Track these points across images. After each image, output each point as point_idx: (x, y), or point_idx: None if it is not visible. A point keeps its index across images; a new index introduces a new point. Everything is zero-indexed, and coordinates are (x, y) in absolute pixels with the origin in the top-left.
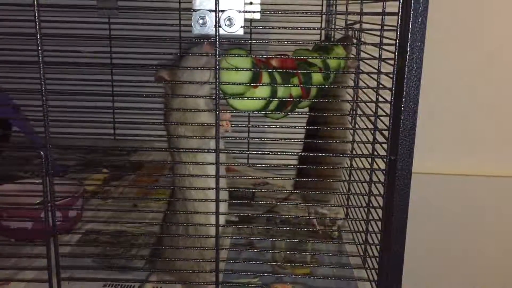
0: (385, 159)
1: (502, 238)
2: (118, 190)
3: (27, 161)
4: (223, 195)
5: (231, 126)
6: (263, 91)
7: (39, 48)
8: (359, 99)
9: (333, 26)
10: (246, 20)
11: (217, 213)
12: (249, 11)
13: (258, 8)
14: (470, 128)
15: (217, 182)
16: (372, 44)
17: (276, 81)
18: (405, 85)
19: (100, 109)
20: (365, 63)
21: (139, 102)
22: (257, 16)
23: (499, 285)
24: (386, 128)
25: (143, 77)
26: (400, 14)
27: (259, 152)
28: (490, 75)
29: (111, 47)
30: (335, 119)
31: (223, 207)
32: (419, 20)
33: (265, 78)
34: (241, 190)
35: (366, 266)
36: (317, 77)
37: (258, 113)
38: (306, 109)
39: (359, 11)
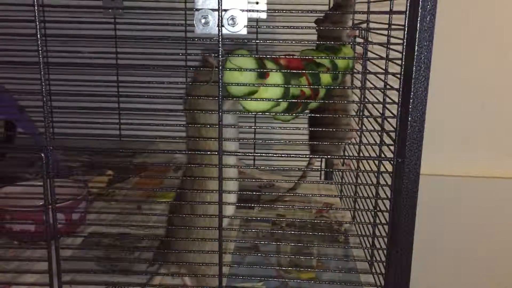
0: (392, 162)
1: (508, 239)
2: (122, 192)
3: (32, 163)
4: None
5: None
6: (275, 90)
7: (39, 48)
8: (366, 100)
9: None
10: (252, 19)
11: (220, 216)
12: (253, 10)
13: (264, 7)
14: (477, 129)
15: (220, 184)
16: (380, 44)
17: (289, 80)
18: (413, 86)
19: (105, 110)
20: (372, 63)
21: (145, 103)
22: (263, 15)
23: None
24: (393, 130)
25: (149, 78)
26: (407, 12)
27: (264, 154)
28: (499, 74)
29: (116, 47)
30: (339, 117)
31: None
32: (427, 18)
33: (277, 76)
34: (246, 193)
35: (373, 271)
36: (325, 77)
37: (262, 114)
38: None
39: (366, 10)
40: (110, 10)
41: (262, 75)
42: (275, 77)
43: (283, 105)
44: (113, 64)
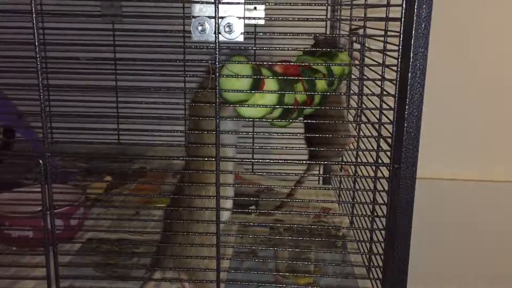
0: (389, 167)
1: (507, 243)
2: (120, 198)
3: (30, 168)
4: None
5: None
6: (270, 97)
7: (37, 55)
8: (363, 106)
9: (337, 32)
10: (250, 25)
11: (217, 222)
12: (249, 18)
13: (262, 14)
14: (474, 133)
15: (217, 191)
16: (376, 50)
17: (283, 87)
18: (408, 92)
19: (104, 116)
20: (370, 69)
21: (143, 109)
22: (261, 21)
23: None
24: (390, 135)
25: (147, 83)
26: (403, 19)
27: (261, 160)
28: (493, 80)
29: (115, 53)
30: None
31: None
32: (423, 26)
33: (273, 84)
34: (244, 199)
35: (371, 276)
36: (321, 84)
37: (259, 120)
38: (308, 115)
39: (363, 16)
40: (108, 17)
41: (257, 86)
42: (271, 85)
43: (278, 110)
44: (112, 69)
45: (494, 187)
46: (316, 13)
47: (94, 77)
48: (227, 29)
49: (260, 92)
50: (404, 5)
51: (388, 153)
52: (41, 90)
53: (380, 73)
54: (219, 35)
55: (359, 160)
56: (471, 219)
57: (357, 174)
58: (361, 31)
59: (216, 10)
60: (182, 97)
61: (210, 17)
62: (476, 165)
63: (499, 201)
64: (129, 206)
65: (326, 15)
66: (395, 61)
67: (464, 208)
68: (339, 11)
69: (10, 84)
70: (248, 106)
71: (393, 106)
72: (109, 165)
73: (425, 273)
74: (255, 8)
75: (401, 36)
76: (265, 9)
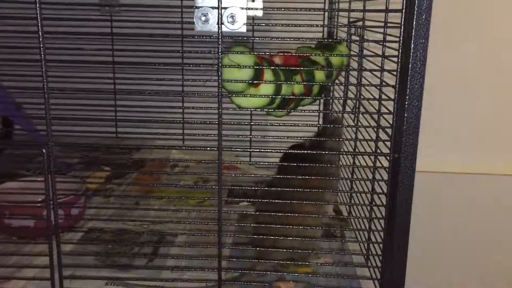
0: (388, 157)
1: (505, 235)
2: (120, 188)
3: (30, 159)
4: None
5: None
6: (267, 88)
7: (41, 45)
8: (362, 97)
9: (335, 23)
10: (248, 17)
11: (219, 210)
12: (252, 8)
13: (260, 5)
14: (475, 125)
15: (219, 180)
16: (376, 41)
17: (280, 78)
18: (408, 83)
19: (102, 107)
20: (368, 60)
21: (141, 100)
22: (259, 13)
23: (504, 284)
24: (389, 126)
25: (145, 75)
26: (404, 11)
27: (262, 150)
28: (495, 72)
29: (113, 44)
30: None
31: None
32: (423, 17)
33: (269, 75)
34: (243, 188)
35: (369, 264)
36: (319, 75)
37: (260, 110)
38: (309, 107)
39: (362, 8)
40: (106, 8)
41: (257, 77)
42: (268, 76)
43: (277, 101)
44: (109, 61)
45: (495, 180)
46: (313, 5)
47: (91, 69)
48: (230, 19)
49: (260, 83)
50: None
51: (388, 144)
52: (44, 81)
53: (379, 65)
54: (222, 25)
55: (357, 151)
56: (470, 212)
57: (355, 164)
58: (360, 23)
59: (219, 0)
60: (180, 89)
61: (213, 8)
62: (477, 158)
63: (501, 194)
64: (129, 196)
65: (324, 6)
66: (394, 52)
67: (463, 201)
68: (337, 2)
69: (9, 75)
70: (244, 96)
71: (392, 97)
72: (108, 156)
73: (423, 263)
74: (253, 0)
75: (402, 27)
76: (263, 1)
